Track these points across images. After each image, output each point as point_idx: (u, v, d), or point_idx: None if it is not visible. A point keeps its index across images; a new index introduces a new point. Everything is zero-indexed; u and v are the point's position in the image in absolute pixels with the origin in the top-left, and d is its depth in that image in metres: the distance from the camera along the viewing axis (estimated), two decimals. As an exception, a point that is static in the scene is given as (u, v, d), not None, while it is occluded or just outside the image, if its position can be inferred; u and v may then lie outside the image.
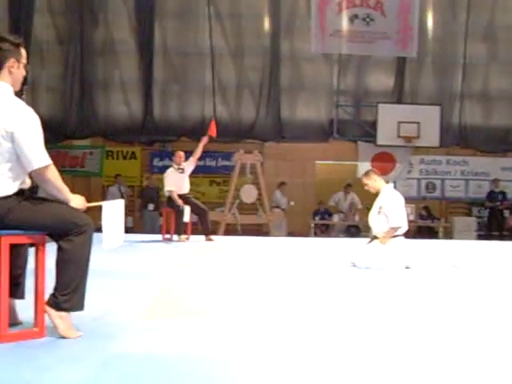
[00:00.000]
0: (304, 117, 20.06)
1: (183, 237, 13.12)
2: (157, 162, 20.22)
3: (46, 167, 4.20)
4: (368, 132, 19.92)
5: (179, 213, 12.97)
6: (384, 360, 4.01)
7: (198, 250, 11.74)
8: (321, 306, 5.98)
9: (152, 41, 19.78)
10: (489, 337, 4.77)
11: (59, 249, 4.28)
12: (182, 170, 13.40)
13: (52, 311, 4.27)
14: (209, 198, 19.31)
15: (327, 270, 8.83)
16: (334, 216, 19.30)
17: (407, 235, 9.50)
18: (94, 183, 20.21)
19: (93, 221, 4.37)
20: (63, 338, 4.28)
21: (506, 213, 19.64)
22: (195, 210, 13.39)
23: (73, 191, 4.42)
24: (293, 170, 20.04)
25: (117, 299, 5.98)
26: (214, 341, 4.41)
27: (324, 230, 19.47)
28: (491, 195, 19.72)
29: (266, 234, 17.79)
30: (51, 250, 4.32)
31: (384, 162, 19.85)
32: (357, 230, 18.95)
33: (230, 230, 17.24)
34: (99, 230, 4.56)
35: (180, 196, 13.18)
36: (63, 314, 4.29)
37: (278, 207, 18.76)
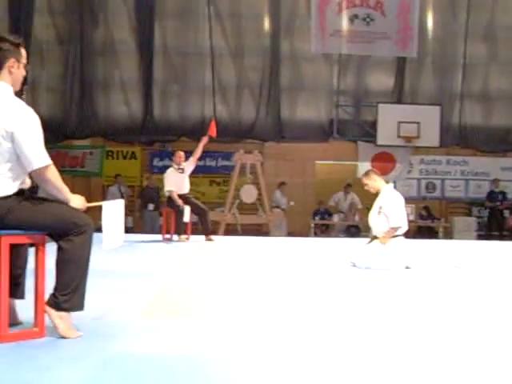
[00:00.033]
0: (304, 117, 20.07)
1: (183, 237, 13.12)
2: (157, 162, 20.22)
3: (46, 167, 4.20)
4: (368, 132, 19.92)
5: (179, 213, 12.98)
6: (383, 360, 4.01)
7: (197, 250, 11.74)
8: (321, 306, 5.98)
9: (152, 41, 19.78)
10: (489, 337, 4.77)
11: (59, 249, 4.27)
12: (182, 170, 13.41)
13: (52, 311, 4.27)
14: (209, 198, 19.32)
15: (327, 270, 8.83)
16: (334, 216, 19.30)
17: (407, 235, 9.51)
18: (94, 183, 20.21)
19: (93, 221, 4.37)
20: (63, 337, 4.28)
21: (506, 213, 19.64)
22: (195, 209, 13.39)
23: (73, 191, 4.42)
24: (293, 170, 20.04)
25: (117, 299, 5.98)
26: (213, 341, 4.41)
27: (324, 230, 19.48)
28: (491, 195, 19.72)
29: (266, 234, 17.80)
30: (51, 250, 4.32)
31: (384, 162, 19.85)
32: (357, 230, 18.95)
33: (230, 230, 17.24)
34: (99, 230, 4.56)
35: (180, 196, 13.18)
36: (63, 313, 4.29)
37: (277, 207, 18.76)
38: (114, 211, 4.89)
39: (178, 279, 7.70)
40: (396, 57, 20.19)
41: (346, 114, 20.18)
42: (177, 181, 13.31)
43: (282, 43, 19.97)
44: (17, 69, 4.32)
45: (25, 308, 4.51)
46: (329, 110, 20.20)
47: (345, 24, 19.80)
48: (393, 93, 20.28)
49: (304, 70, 20.06)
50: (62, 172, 4.47)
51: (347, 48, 19.81)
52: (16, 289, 4.47)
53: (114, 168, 19.99)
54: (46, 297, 4.31)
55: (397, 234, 9.17)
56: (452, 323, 5.27)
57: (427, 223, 19.65)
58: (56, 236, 4.28)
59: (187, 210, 13.06)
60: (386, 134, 19.40)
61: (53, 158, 4.31)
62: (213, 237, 13.66)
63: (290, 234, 18.19)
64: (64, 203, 4.34)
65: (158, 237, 13.65)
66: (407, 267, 9.01)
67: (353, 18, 19.74)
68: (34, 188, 4.53)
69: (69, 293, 4.27)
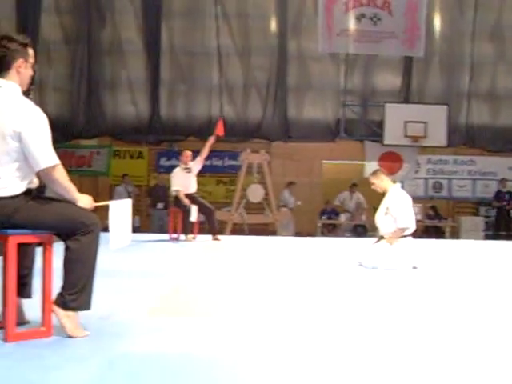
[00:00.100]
0: (311, 116, 20.05)
1: (190, 236, 13.13)
2: (164, 162, 20.23)
3: (54, 167, 4.21)
4: (375, 131, 19.90)
5: (186, 212, 12.99)
6: (389, 360, 4.01)
7: (204, 249, 11.75)
8: (327, 305, 5.98)
9: (159, 40, 19.79)
10: (493, 338, 4.76)
11: (66, 248, 4.28)
12: (189, 170, 13.41)
13: (59, 310, 4.28)
14: (216, 197, 19.32)
15: (334, 270, 8.83)
16: (341, 216, 19.30)
17: (414, 235, 9.49)
18: (102, 183, 20.24)
19: (100, 220, 4.38)
20: (70, 337, 4.29)
21: (514, 212, 19.61)
22: (202, 209, 13.40)
23: (80, 191, 4.42)
24: (300, 170, 20.04)
25: (123, 298, 5.99)
26: (220, 341, 4.41)
27: (331, 230, 19.46)
28: (498, 195, 19.67)
29: (273, 233, 17.79)
30: (59, 249, 4.33)
31: (391, 161, 19.83)
32: (364, 229, 18.93)
33: (237, 230, 17.25)
34: (106, 229, 4.57)
35: (187, 195, 13.18)
36: (70, 313, 4.30)
37: (285, 206, 18.75)
38: (121, 211, 4.89)
39: (184, 279, 7.71)
40: (403, 56, 20.15)
41: (353, 114, 20.16)
42: (184, 180, 13.32)
43: (288, 43, 19.96)
44: (25, 69, 4.33)
45: (32, 307, 4.52)
46: (336, 110, 20.19)
47: (352, 23, 19.78)
48: (400, 92, 20.25)
49: (311, 70, 20.05)
50: (69, 172, 4.48)
51: (354, 47, 19.78)
52: (23, 288, 4.48)
53: (121, 167, 20.02)
54: (54, 296, 4.32)
55: (404, 234, 9.16)
56: (457, 324, 5.26)
57: (434, 223, 19.62)
58: (63, 235, 4.29)
59: (194, 209, 13.06)
60: (392, 134, 19.38)
61: (60, 157, 4.32)
62: (220, 236, 13.67)
63: (297, 233, 18.18)
64: (71, 203, 4.34)
65: (165, 236, 13.66)
66: (414, 267, 9.00)
67: (360, 18, 19.71)
68: (41, 187, 4.54)
69: (76, 292, 4.28)
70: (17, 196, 4.18)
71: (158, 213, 17.88)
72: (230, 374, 3.66)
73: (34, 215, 4.20)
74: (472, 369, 3.86)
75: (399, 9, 19.66)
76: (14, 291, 4.18)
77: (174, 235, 13.43)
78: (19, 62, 4.29)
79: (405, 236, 9.16)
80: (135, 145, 20.36)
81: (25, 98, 4.26)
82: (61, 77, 19.83)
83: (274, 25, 20.04)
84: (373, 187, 9.54)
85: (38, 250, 4.45)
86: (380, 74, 20.23)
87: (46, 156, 4.17)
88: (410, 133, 19.31)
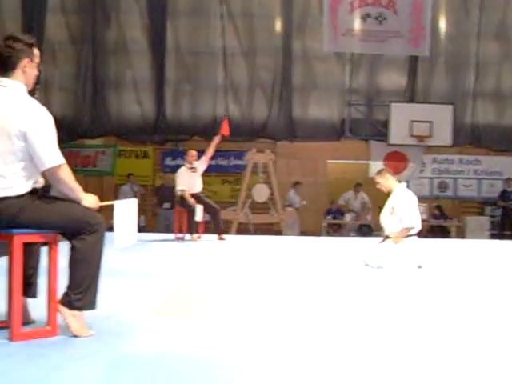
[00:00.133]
0: (316, 116, 20.02)
1: (195, 236, 13.14)
2: (169, 162, 20.23)
3: (59, 167, 4.21)
4: (380, 131, 19.88)
5: (191, 212, 12.99)
6: (392, 360, 4.01)
7: (209, 249, 11.76)
8: (332, 305, 5.98)
9: (164, 40, 19.78)
10: (498, 338, 4.76)
11: (72, 248, 4.29)
12: (195, 169, 13.42)
13: (65, 310, 4.29)
14: (221, 197, 19.32)
15: (339, 270, 8.83)
16: (346, 215, 19.29)
17: (419, 235, 9.48)
18: (107, 182, 20.26)
19: (105, 220, 4.38)
20: (75, 336, 4.29)
21: (519, 212, 19.57)
22: (207, 209, 13.40)
23: (85, 190, 4.43)
24: (305, 169, 20.03)
25: (129, 298, 6.00)
26: (224, 341, 4.42)
27: (336, 229, 19.45)
28: (504, 194, 19.63)
29: (278, 233, 17.79)
30: (64, 248, 4.33)
31: (396, 161, 19.79)
32: (369, 229, 18.92)
33: (242, 229, 17.25)
34: (112, 229, 4.57)
35: (192, 195, 13.19)
36: (76, 312, 4.30)
37: (290, 206, 18.75)
38: (126, 210, 4.90)
39: (189, 279, 7.71)
40: (408, 56, 20.11)
41: (358, 113, 20.13)
42: (189, 180, 13.33)
43: (294, 42, 19.93)
44: (30, 68, 4.34)
45: (38, 307, 4.52)
46: (341, 109, 20.16)
47: (357, 23, 19.74)
48: (405, 92, 20.21)
49: (316, 69, 20.02)
50: (74, 171, 4.49)
51: (359, 47, 19.75)
52: (28, 288, 4.49)
53: (127, 167, 20.02)
54: (59, 296, 4.33)
55: (410, 233, 9.16)
56: (462, 324, 5.25)
57: (440, 222, 19.59)
58: (69, 235, 4.30)
59: (199, 209, 13.06)
60: (398, 133, 19.35)
61: (65, 157, 4.32)
62: (225, 236, 13.68)
63: (303, 233, 18.18)
64: (77, 202, 4.35)
65: (171, 236, 13.67)
66: (419, 267, 8.99)
67: (365, 17, 19.68)
68: (46, 187, 4.55)
69: (81, 291, 4.29)
70: (22, 196, 4.18)
71: (164, 212, 17.89)
72: (233, 374, 3.65)
73: (39, 215, 4.21)
74: (474, 369, 3.85)
75: (404, 8, 19.63)
76: (20, 291, 4.19)
77: (180, 235, 13.44)
78: (25, 61, 4.29)
79: (410, 235, 9.15)
80: (140, 144, 20.37)
81: (30, 98, 4.27)
82: (66, 76, 19.83)
83: (279, 24, 20.02)
84: (378, 186, 9.53)
85: (44, 250, 4.45)
86: (385, 74, 20.20)
87: (52, 156, 4.18)
88: (416, 132, 19.28)
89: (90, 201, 4.40)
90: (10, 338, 4.13)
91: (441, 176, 20.76)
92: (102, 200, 4.55)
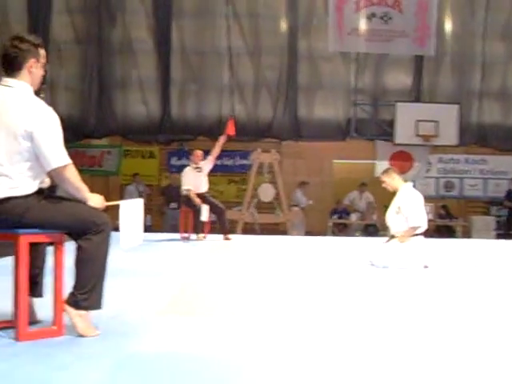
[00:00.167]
0: (321, 116, 20.01)
1: (201, 236, 13.15)
2: (175, 161, 20.23)
3: (65, 167, 4.22)
4: (386, 131, 19.86)
5: (197, 212, 13.00)
6: (397, 360, 4.01)
7: (215, 248, 11.76)
8: (337, 305, 5.98)
9: (169, 40, 19.79)
10: (503, 338, 4.75)
11: (78, 248, 4.30)
12: (200, 169, 13.43)
13: (71, 310, 4.29)
14: (227, 196, 19.32)
15: (345, 269, 8.82)
16: (352, 215, 19.29)
17: (425, 234, 9.47)
18: (112, 182, 20.28)
19: (111, 220, 4.39)
20: (81, 336, 4.30)
21: (525, 212, 19.53)
22: (212, 208, 13.40)
23: (91, 190, 4.44)
24: (310, 169, 20.02)
25: (134, 298, 6.01)
26: (229, 341, 4.42)
27: (342, 229, 19.44)
28: (510, 194, 19.57)
29: (284, 232, 17.78)
30: (70, 248, 4.34)
31: (402, 160, 19.77)
32: (375, 229, 18.91)
33: (248, 229, 17.25)
34: (117, 229, 4.58)
35: (198, 195, 13.20)
36: (82, 312, 4.31)
37: (297, 206, 18.74)
38: (132, 210, 4.91)
39: (195, 278, 7.72)
40: (414, 55, 20.08)
41: (364, 113, 20.12)
42: (194, 180, 13.33)
43: (299, 42, 19.92)
44: (36, 69, 4.34)
45: (44, 306, 4.53)
46: (346, 109, 20.14)
47: (362, 22, 19.73)
48: (411, 91, 20.19)
49: (321, 69, 20.00)
50: (80, 171, 4.49)
51: (365, 46, 19.73)
52: (34, 287, 4.50)
53: (132, 167, 20.04)
54: (65, 295, 4.33)
55: (416, 233, 9.15)
56: (467, 324, 5.24)
57: (445, 222, 19.56)
58: (74, 235, 4.30)
59: (205, 208, 13.06)
60: (404, 133, 19.33)
61: (71, 157, 4.33)
62: (230, 236, 13.68)
63: (308, 233, 18.18)
64: (82, 202, 4.36)
65: (176, 236, 13.67)
66: (425, 266, 8.98)
67: (370, 17, 19.66)
68: (52, 187, 4.56)
69: (87, 291, 4.29)
70: (28, 195, 4.19)
71: (171, 212, 17.90)
72: (238, 373, 3.65)
73: (45, 215, 4.21)
74: (478, 369, 3.85)
75: (410, 8, 19.61)
76: (26, 290, 4.20)
77: (185, 235, 13.45)
78: (31, 62, 4.30)
79: (416, 235, 9.14)
80: (146, 144, 20.38)
81: (37, 98, 4.27)
82: (72, 77, 19.86)
83: (284, 24, 20.01)
84: (383, 185, 9.52)
85: (49, 250, 4.46)
86: (391, 73, 20.17)
87: (58, 156, 4.19)
88: (421, 132, 19.26)
89: (96, 201, 4.41)
90: (17, 338, 4.14)
91: (447, 176, 20.73)
92: (107, 200, 4.55)
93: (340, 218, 19.38)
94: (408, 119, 19.18)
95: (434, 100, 19.95)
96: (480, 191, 20.79)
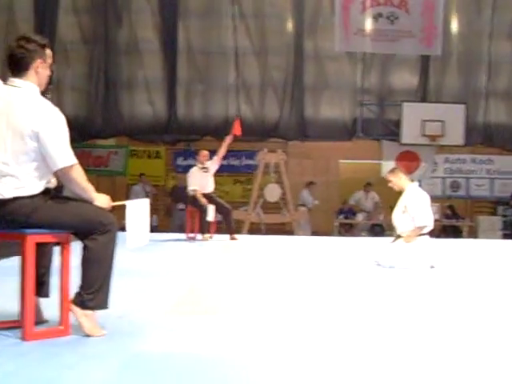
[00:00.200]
0: (328, 115, 20.00)
1: (207, 236, 13.15)
2: (181, 162, 20.26)
3: (71, 167, 4.23)
4: (392, 131, 19.84)
5: (203, 212, 13.00)
6: (402, 360, 4.00)
7: (221, 249, 11.77)
8: (344, 305, 5.98)
9: (176, 40, 19.81)
10: (509, 339, 4.75)
11: (84, 248, 4.30)
12: (206, 169, 13.43)
13: (77, 309, 4.30)
14: (233, 197, 19.33)
15: (351, 269, 8.82)
16: (358, 215, 19.28)
17: (431, 234, 9.46)
18: (119, 182, 20.30)
19: (117, 220, 4.40)
20: (88, 336, 4.30)
21: (532, 212, 19.50)
22: (219, 209, 13.40)
23: (97, 190, 4.44)
24: (316, 169, 20.02)
25: (141, 298, 6.01)
26: (235, 341, 4.42)
27: (348, 229, 19.43)
28: (516, 194, 19.58)
29: (290, 233, 17.78)
30: (76, 248, 4.35)
31: (408, 160, 19.75)
32: (381, 229, 18.90)
33: (254, 229, 17.25)
34: (124, 229, 4.58)
35: (204, 195, 13.20)
36: (88, 312, 4.31)
37: (303, 206, 18.73)
38: (138, 210, 4.91)
39: (201, 278, 7.72)
40: (420, 55, 20.07)
41: (370, 113, 20.11)
42: (201, 180, 13.34)
43: (305, 42, 19.91)
44: (43, 69, 4.35)
45: (50, 306, 4.54)
46: (353, 109, 20.14)
47: (369, 22, 19.73)
48: (417, 91, 20.17)
49: (328, 69, 20.00)
50: (86, 171, 4.50)
51: (371, 46, 19.73)
52: (41, 287, 4.50)
53: (139, 167, 20.08)
54: (71, 295, 4.34)
55: (422, 232, 9.14)
56: (473, 325, 5.24)
57: (452, 222, 19.55)
58: (81, 235, 4.31)
59: (211, 208, 13.06)
60: (410, 133, 19.31)
61: (78, 157, 4.33)
62: (236, 236, 13.68)
63: (314, 233, 18.18)
64: (89, 202, 4.36)
65: (182, 236, 13.68)
66: (432, 267, 8.97)
67: (377, 17, 19.66)
68: (59, 187, 4.56)
69: (94, 291, 4.30)
70: (35, 196, 4.20)
71: (178, 213, 17.92)
72: (244, 373, 3.65)
73: (52, 215, 4.22)
74: (480, 369, 3.84)
75: (416, 7, 19.60)
76: (32, 290, 4.20)
77: (191, 235, 13.46)
78: (37, 62, 4.30)
79: (422, 235, 9.13)
80: (152, 144, 20.41)
81: (43, 99, 4.28)
82: (78, 77, 19.89)
83: (290, 24, 20.01)
84: (390, 185, 9.51)
85: (56, 249, 4.47)
86: (397, 73, 20.15)
87: (64, 156, 4.19)
88: (428, 132, 19.25)
89: (103, 201, 4.42)
90: (23, 338, 4.14)
91: (453, 176, 20.71)
92: (114, 200, 4.56)
93: (346, 218, 19.38)
94: (414, 119, 19.17)
95: (440, 100, 19.93)
96: (486, 191, 20.76)
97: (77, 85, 19.88)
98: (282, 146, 19.06)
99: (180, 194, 17.59)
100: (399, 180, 9.38)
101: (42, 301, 4.60)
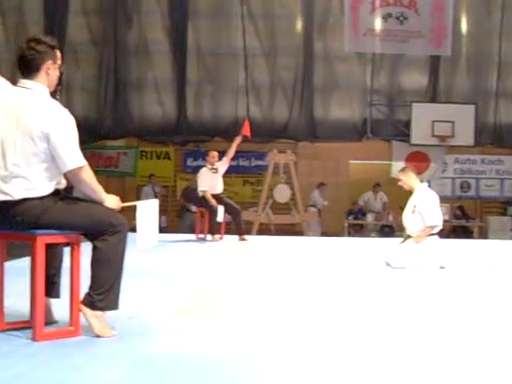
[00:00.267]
0: (337, 116, 20.00)
1: (217, 236, 13.15)
2: (190, 162, 20.27)
3: (81, 168, 4.24)
4: (402, 131, 19.82)
5: (213, 213, 13.01)
6: (411, 361, 4.00)
7: (231, 249, 11.76)
8: (353, 306, 5.97)
9: (185, 41, 19.83)
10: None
11: (94, 248, 4.31)
12: (216, 170, 13.43)
13: (87, 310, 4.31)
14: (242, 197, 19.33)
15: (361, 270, 8.81)
16: (368, 215, 19.25)
17: (441, 235, 9.44)
18: (128, 183, 20.32)
19: (127, 221, 4.41)
20: (98, 336, 4.31)
21: (542, 212, 19.44)
22: (228, 209, 13.41)
23: (107, 191, 4.45)
24: (326, 170, 19.99)
25: (150, 298, 6.02)
26: (244, 342, 4.42)
27: (358, 230, 19.41)
28: (527, 195, 19.53)
29: (300, 233, 17.77)
30: (86, 249, 4.36)
31: (418, 161, 19.71)
32: (391, 229, 18.87)
33: (264, 230, 17.24)
34: (133, 229, 4.59)
35: (213, 196, 13.21)
36: (98, 313, 4.32)
37: (313, 206, 18.72)
38: (148, 211, 4.92)
39: (211, 279, 7.73)
40: (430, 55, 20.05)
41: (380, 114, 20.09)
42: (210, 181, 13.33)
43: (315, 43, 19.91)
44: (53, 70, 4.36)
45: (60, 307, 4.55)
46: (362, 110, 20.12)
47: (378, 23, 19.72)
48: (427, 92, 20.15)
49: (337, 70, 19.99)
50: (96, 172, 4.51)
51: (381, 47, 19.72)
52: (51, 288, 4.52)
53: (148, 168, 20.11)
54: (82, 296, 4.35)
55: (432, 232, 9.13)
56: (482, 325, 5.23)
57: (462, 223, 19.50)
58: (91, 236, 4.32)
59: (221, 209, 13.07)
60: (420, 134, 19.29)
61: (87, 158, 4.35)
62: (246, 236, 13.67)
63: (324, 233, 18.17)
64: (99, 203, 4.37)
65: (192, 237, 13.68)
66: (442, 267, 8.95)
67: (386, 17, 19.64)
68: (69, 188, 4.57)
69: (104, 292, 4.31)
70: (45, 197, 4.21)
71: (189, 214, 17.92)
72: (253, 374, 3.66)
73: (62, 216, 4.23)
74: (487, 370, 3.84)
75: (426, 8, 19.58)
76: (43, 291, 4.21)
77: (201, 235, 13.46)
78: (48, 64, 4.32)
79: (431, 235, 9.12)
80: (162, 145, 20.43)
81: (53, 100, 4.29)
82: (88, 78, 19.93)
83: (299, 25, 20.01)
84: (400, 183, 9.50)
85: (66, 250, 4.48)
86: (407, 74, 20.13)
87: (74, 157, 4.20)
88: (438, 132, 19.22)
89: (112, 202, 4.42)
90: (33, 338, 4.16)
91: (463, 176, 20.66)
92: (123, 201, 4.57)
93: (356, 218, 19.36)
94: (424, 119, 19.15)
95: (450, 100, 19.89)
96: (496, 191, 20.71)
97: (86, 86, 19.92)
98: (292, 147, 19.04)
99: (191, 194, 17.63)
100: (409, 179, 9.37)
101: (53, 301, 4.61)
